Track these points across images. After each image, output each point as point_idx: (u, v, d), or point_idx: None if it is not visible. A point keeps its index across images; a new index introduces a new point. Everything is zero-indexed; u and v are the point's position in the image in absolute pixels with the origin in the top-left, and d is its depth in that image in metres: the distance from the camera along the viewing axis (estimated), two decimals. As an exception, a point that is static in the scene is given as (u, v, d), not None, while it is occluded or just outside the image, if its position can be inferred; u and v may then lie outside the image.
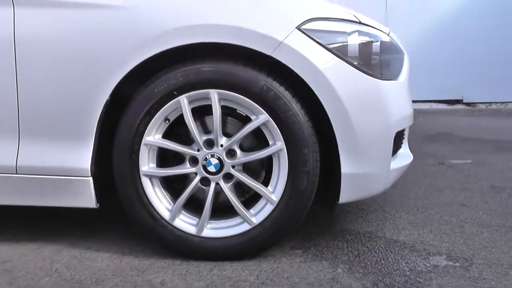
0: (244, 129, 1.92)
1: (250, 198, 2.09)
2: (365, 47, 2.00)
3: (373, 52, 2.03)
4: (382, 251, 2.10)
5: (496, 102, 7.95)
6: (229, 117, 2.04)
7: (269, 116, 1.89)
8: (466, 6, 8.07)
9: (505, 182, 3.28)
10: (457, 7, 8.10)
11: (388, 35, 2.17)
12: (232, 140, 1.94)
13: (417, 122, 6.10)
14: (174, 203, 2.00)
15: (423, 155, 4.22)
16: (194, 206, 2.06)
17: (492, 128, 5.99)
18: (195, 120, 1.94)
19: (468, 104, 7.96)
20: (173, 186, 2.09)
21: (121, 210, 2.05)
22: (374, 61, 2.02)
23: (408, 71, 2.31)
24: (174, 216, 1.99)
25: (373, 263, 1.98)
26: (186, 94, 1.90)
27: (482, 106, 7.84)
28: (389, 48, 2.14)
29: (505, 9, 8.02)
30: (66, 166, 1.98)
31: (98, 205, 2.04)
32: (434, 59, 7.90)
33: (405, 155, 2.34)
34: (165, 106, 1.92)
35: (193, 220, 2.01)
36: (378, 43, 2.05)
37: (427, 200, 2.86)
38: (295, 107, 1.89)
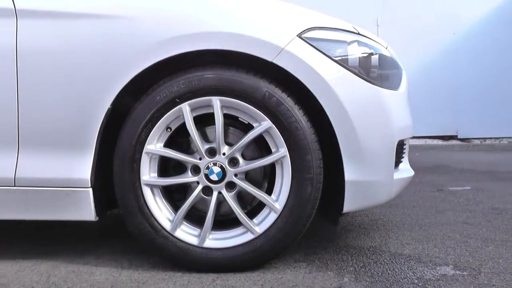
0: (247, 136, 1.91)
1: (252, 210, 2.06)
2: (364, 56, 2.02)
3: (372, 64, 2.05)
4: (388, 262, 2.06)
5: (491, 138, 8.02)
6: (230, 127, 2.03)
7: (271, 123, 1.89)
8: (461, 44, 8.25)
9: (506, 204, 3.26)
10: (452, 45, 8.29)
11: (386, 49, 2.20)
12: (234, 147, 1.92)
13: (413, 156, 6.13)
14: (175, 213, 1.96)
15: (422, 184, 4.21)
16: (195, 217, 2.02)
17: (487, 161, 6.01)
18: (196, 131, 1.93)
19: (462, 139, 8.03)
20: (174, 197, 2.06)
21: (118, 225, 2.01)
22: (373, 73, 2.04)
23: (407, 85, 2.33)
24: (175, 226, 1.94)
25: (380, 273, 1.93)
26: (188, 102, 1.90)
27: (477, 142, 7.91)
28: (388, 62, 2.16)
29: (499, 48, 8.21)
30: (66, 177, 1.95)
31: (97, 218, 1.99)
32: (429, 95, 8.01)
33: (406, 170, 2.32)
34: (167, 114, 1.91)
35: (195, 230, 1.97)
36: (377, 56, 2.07)
37: (429, 220, 2.83)
38: (298, 114, 1.89)
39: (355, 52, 1.99)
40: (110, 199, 2.04)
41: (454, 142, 7.91)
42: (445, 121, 8.04)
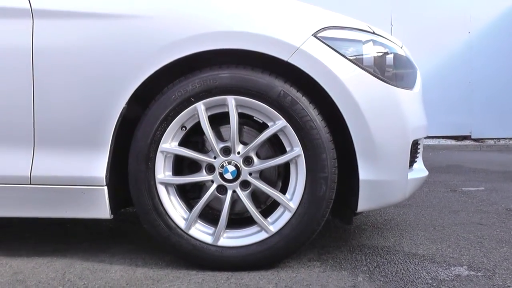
0: (262, 135, 1.91)
1: (267, 209, 2.06)
2: (379, 56, 2.01)
3: (387, 64, 2.04)
4: (402, 262, 2.06)
5: (505, 138, 7.96)
6: (245, 126, 2.04)
7: (286, 122, 1.89)
8: (476, 43, 8.19)
9: (520, 205, 3.24)
10: (467, 44, 8.23)
11: (401, 48, 2.19)
12: (249, 147, 1.93)
13: (426, 156, 6.11)
14: (189, 212, 1.97)
15: (435, 184, 4.19)
16: (209, 216, 2.04)
17: (501, 162, 5.97)
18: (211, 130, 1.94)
19: (476, 139, 7.97)
20: (188, 195, 2.07)
21: (131, 224, 2.02)
22: (388, 73, 2.03)
23: (422, 85, 2.32)
24: (190, 225, 1.95)
25: (394, 273, 1.93)
26: (203, 101, 1.90)
27: (491, 142, 7.85)
28: (403, 62, 2.16)
29: (513, 49, 8.16)
30: (81, 175, 1.96)
31: (112, 216, 2.00)
32: (443, 95, 7.96)
33: (421, 170, 2.32)
34: (182, 113, 1.92)
35: (209, 229, 1.98)
36: (392, 55, 2.06)
37: (443, 220, 2.81)
38: (313, 113, 1.89)
39: (370, 52, 1.99)
40: (125, 197, 2.05)
41: (467, 142, 7.86)
42: (458, 121, 7.99)
